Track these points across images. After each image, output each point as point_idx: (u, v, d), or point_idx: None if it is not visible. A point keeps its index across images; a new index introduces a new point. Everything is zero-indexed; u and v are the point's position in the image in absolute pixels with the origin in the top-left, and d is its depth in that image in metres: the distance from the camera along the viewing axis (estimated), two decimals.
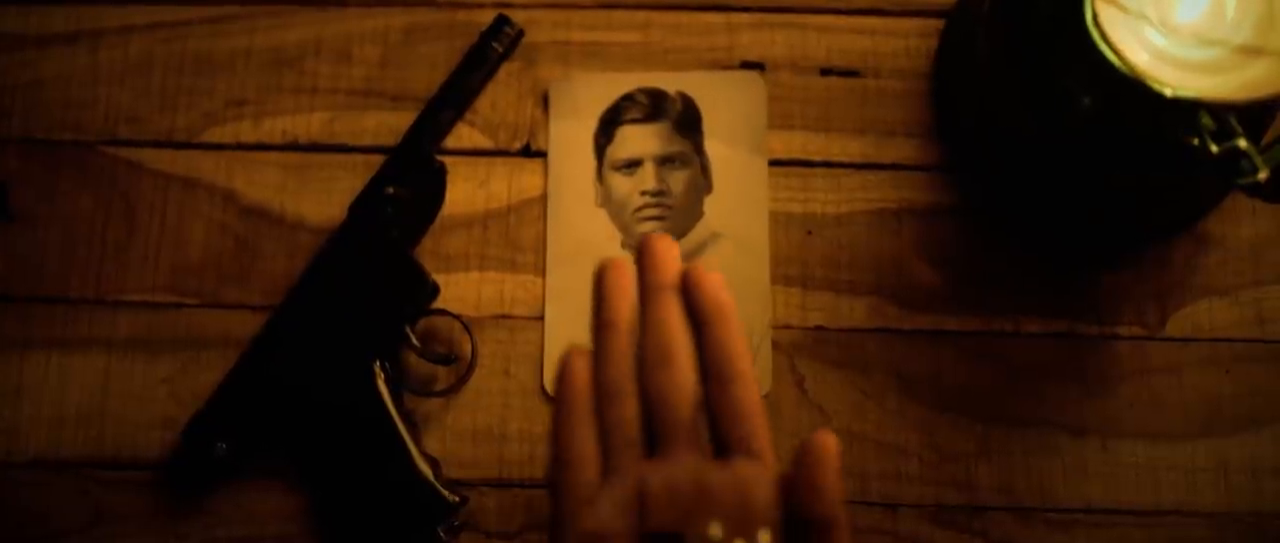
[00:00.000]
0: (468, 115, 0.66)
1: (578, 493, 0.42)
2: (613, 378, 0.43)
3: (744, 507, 0.41)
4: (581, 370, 0.44)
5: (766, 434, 0.42)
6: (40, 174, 0.66)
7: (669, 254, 0.44)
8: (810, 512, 0.40)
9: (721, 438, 0.42)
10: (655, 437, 0.42)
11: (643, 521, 0.41)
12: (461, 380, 0.63)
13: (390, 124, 0.66)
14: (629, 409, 0.43)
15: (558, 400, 0.44)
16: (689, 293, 0.44)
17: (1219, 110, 0.49)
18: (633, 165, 0.65)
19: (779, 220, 0.65)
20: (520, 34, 0.66)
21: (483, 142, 0.66)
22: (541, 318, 0.64)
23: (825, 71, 0.66)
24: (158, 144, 0.66)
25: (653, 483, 0.41)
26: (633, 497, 0.41)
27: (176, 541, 0.62)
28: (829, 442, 0.41)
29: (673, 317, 0.43)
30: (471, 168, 0.66)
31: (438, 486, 0.60)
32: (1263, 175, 0.48)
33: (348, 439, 0.60)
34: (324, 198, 0.65)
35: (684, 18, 0.67)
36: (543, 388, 0.63)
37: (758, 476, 0.41)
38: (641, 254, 0.45)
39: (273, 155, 0.66)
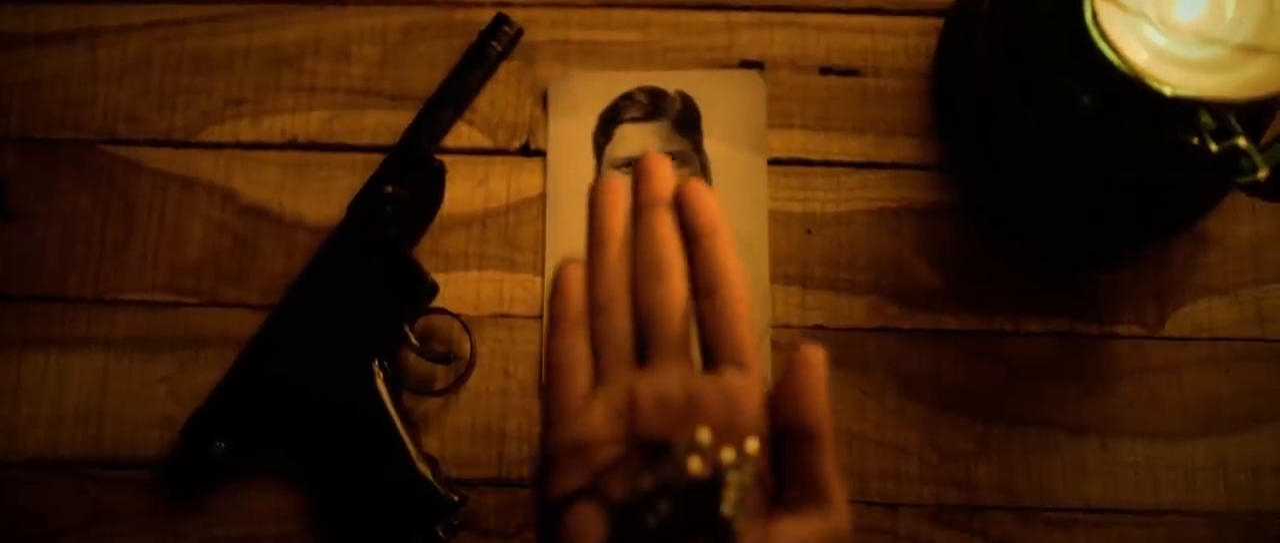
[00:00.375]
0: (467, 114, 0.66)
1: (568, 401, 0.43)
2: (605, 290, 0.44)
3: (732, 416, 0.41)
4: (575, 281, 0.44)
5: (755, 347, 0.43)
6: (39, 173, 0.66)
7: (663, 172, 0.45)
8: (796, 421, 0.41)
9: (711, 350, 0.43)
10: (646, 348, 0.43)
11: (632, 428, 0.41)
12: (460, 380, 0.63)
13: (389, 123, 0.66)
14: (620, 320, 0.43)
15: (551, 310, 0.44)
16: (682, 209, 0.44)
17: (1219, 109, 0.49)
18: (632, 164, 0.65)
19: (778, 219, 0.65)
20: (519, 33, 0.66)
21: (482, 140, 0.66)
22: (540, 317, 0.64)
23: (825, 70, 0.66)
24: (156, 143, 0.66)
25: (642, 392, 0.42)
26: (623, 405, 0.42)
27: (175, 540, 0.62)
28: (816, 355, 0.42)
29: (665, 231, 0.44)
30: (470, 167, 0.66)
31: (436, 485, 0.60)
32: (1262, 174, 0.48)
33: (347, 439, 0.60)
34: (323, 197, 0.65)
35: (683, 16, 0.67)
36: (542, 387, 0.63)
37: (746, 387, 0.42)
38: (637, 171, 0.45)
39: (271, 154, 0.66)
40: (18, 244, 0.65)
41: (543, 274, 0.64)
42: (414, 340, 0.61)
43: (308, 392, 0.61)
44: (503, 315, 0.64)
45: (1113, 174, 0.58)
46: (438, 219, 0.64)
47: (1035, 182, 0.63)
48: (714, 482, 0.38)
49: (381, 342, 0.61)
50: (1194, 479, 0.61)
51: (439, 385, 0.63)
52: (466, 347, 0.62)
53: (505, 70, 0.67)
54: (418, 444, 0.61)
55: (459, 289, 0.64)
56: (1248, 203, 0.64)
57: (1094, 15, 0.50)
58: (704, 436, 0.39)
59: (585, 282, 0.44)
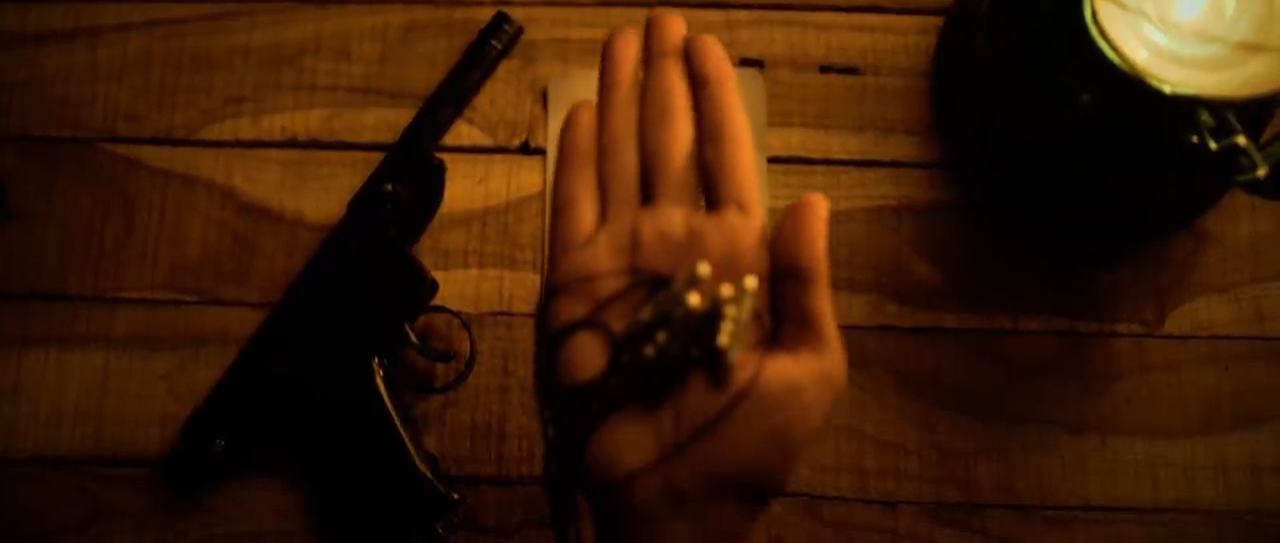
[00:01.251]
0: (466, 113, 0.66)
1: (573, 235, 0.44)
2: (613, 131, 0.45)
3: (732, 255, 0.42)
4: (586, 122, 0.45)
5: (756, 191, 0.44)
6: (39, 172, 0.66)
7: (674, 26, 0.46)
8: (794, 262, 0.42)
9: (713, 193, 0.44)
10: (650, 190, 0.44)
11: (634, 263, 0.42)
12: (460, 378, 0.63)
13: (389, 121, 0.66)
14: (627, 160, 0.44)
15: (560, 149, 0.45)
16: (691, 59, 0.45)
17: (1218, 107, 0.49)
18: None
19: (778, 218, 0.64)
20: (519, 31, 0.66)
21: (481, 139, 0.66)
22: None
23: (824, 69, 0.66)
24: (156, 141, 0.66)
25: (645, 228, 0.43)
26: (626, 241, 0.43)
27: (175, 538, 0.62)
28: (817, 200, 0.42)
29: (674, 79, 0.45)
30: (470, 165, 0.66)
31: (436, 483, 0.60)
32: (1261, 172, 0.48)
33: (346, 437, 0.60)
34: (323, 195, 0.65)
35: (683, 15, 0.67)
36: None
37: (746, 227, 0.43)
38: (649, 25, 0.47)
39: (272, 153, 0.66)
40: (18, 243, 0.65)
41: (542, 272, 0.64)
42: (414, 339, 0.61)
43: (308, 390, 0.61)
44: (502, 313, 0.64)
45: (1113, 173, 0.58)
46: (437, 217, 0.64)
47: (1035, 181, 0.63)
48: (711, 314, 0.39)
49: (381, 340, 0.61)
50: (1193, 478, 0.61)
51: (439, 384, 0.63)
52: (466, 345, 0.63)
53: (505, 68, 0.67)
54: (417, 442, 0.61)
55: (459, 287, 0.64)
56: (1247, 201, 0.64)
57: (1094, 14, 0.50)
58: (703, 270, 0.40)
59: (595, 123, 0.45)
